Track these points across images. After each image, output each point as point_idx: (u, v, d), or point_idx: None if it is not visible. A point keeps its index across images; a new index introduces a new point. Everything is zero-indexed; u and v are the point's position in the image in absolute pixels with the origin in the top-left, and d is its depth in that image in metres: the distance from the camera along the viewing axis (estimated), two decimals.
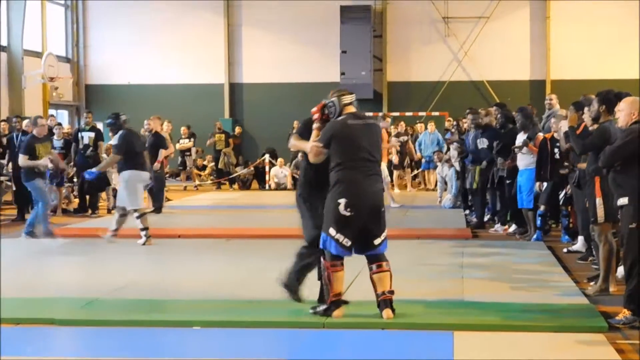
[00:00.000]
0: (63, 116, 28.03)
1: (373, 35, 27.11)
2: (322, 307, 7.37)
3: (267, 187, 23.47)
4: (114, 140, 12.88)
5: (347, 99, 7.50)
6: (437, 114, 25.24)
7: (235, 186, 24.09)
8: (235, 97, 28.33)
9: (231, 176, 24.19)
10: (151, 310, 7.85)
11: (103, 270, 10.51)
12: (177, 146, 22.98)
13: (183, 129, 23.95)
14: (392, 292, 7.33)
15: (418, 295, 8.35)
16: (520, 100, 18.46)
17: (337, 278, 7.28)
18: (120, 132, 12.54)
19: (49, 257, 11.54)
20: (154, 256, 11.46)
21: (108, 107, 26.72)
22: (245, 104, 28.27)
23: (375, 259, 7.34)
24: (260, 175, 24.02)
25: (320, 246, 7.29)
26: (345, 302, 7.49)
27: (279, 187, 23.17)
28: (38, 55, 25.01)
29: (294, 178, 23.25)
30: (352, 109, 7.50)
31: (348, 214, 7.10)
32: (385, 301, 7.30)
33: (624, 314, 7.19)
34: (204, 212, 17.55)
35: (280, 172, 23.36)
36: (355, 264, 10.21)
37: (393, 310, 7.27)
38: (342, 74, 26.69)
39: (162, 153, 16.28)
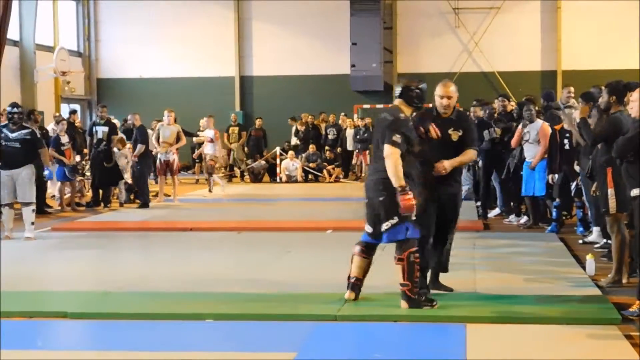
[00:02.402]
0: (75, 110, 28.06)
1: (383, 27, 27.06)
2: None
3: (278, 179, 23.47)
4: None
5: (395, 92, 7.72)
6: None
7: (247, 179, 24.09)
8: (246, 89, 28.34)
9: (240, 170, 24.18)
10: (163, 303, 7.86)
11: (115, 263, 10.55)
12: (195, 139, 22.92)
13: (202, 121, 23.93)
14: (404, 285, 7.35)
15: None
16: (531, 91, 18.39)
17: (353, 261, 7.73)
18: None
19: (61, 250, 11.56)
20: (165, 249, 11.47)
21: (120, 101, 27.01)
22: (255, 97, 28.28)
23: (395, 248, 7.46)
24: (271, 168, 24.02)
25: None
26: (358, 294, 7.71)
27: (290, 179, 23.17)
28: (50, 49, 25.06)
29: (304, 170, 23.26)
30: (396, 102, 7.66)
31: (364, 200, 7.60)
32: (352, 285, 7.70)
33: (637, 305, 7.16)
34: (215, 205, 17.56)
35: (291, 164, 23.35)
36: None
37: (408, 302, 7.35)
38: (353, 66, 26.65)
39: (140, 148, 16.54)
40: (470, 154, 7.93)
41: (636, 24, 25.97)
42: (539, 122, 12.49)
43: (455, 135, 7.80)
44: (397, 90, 7.62)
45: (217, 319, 7.29)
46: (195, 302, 7.91)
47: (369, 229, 7.56)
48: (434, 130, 7.64)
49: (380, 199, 7.36)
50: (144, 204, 16.54)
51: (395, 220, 7.31)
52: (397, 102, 7.60)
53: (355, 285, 7.69)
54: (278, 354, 6.29)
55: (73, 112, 19.81)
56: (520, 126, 12.80)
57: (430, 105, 7.97)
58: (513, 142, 12.94)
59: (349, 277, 7.73)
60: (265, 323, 7.16)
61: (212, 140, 19.97)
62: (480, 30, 26.93)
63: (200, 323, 7.21)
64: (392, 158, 7.22)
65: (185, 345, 6.57)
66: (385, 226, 7.36)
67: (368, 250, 7.69)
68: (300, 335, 6.74)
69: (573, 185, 11.74)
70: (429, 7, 27.20)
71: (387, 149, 7.26)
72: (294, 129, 24.71)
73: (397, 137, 7.25)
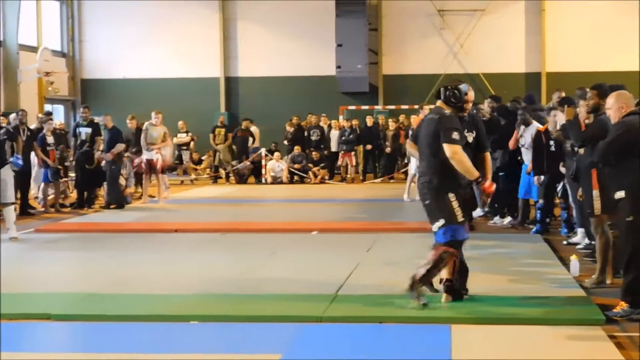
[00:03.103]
0: (59, 111, 27.98)
1: (368, 29, 27.07)
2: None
3: (263, 181, 23.45)
4: None
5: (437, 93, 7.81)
6: (432, 106, 25.13)
7: (232, 180, 24.05)
8: (231, 90, 28.30)
9: (226, 171, 24.15)
10: (147, 305, 7.84)
11: (99, 265, 10.49)
12: (175, 140, 22.95)
13: (180, 124, 23.94)
14: (448, 281, 7.60)
15: None
16: (516, 92, 18.42)
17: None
18: None
19: (45, 252, 11.51)
20: (150, 251, 11.43)
21: (104, 102, 26.91)
22: (241, 98, 28.25)
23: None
24: (256, 169, 23.98)
25: None
26: (459, 294, 7.78)
27: (276, 181, 23.15)
28: (33, 50, 24.93)
29: (290, 172, 23.25)
30: (437, 103, 7.75)
31: None
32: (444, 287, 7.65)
33: (621, 306, 7.19)
34: (200, 207, 17.53)
35: (277, 166, 23.33)
36: (353, 257, 10.25)
37: (454, 295, 7.56)
38: (338, 67, 26.66)
39: (118, 147, 16.56)
40: (489, 159, 8.11)
41: (620, 27, 26.10)
42: (534, 126, 12.43)
43: (470, 136, 7.94)
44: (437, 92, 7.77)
45: (202, 320, 7.27)
46: (180, 303, 7.89)
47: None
48: None
49: (426, 202, 7.48)
50: (107, 206, 16.43)
51: (442, 222, 7.41)
52: (438, 102, 7.69)
53: (449, 287, 7.66)
54: (263, 355, 6.28)
55: (48, 113, 19.56)
56: (517, 129, 12.74)
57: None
58: (511, 144, 12.86)
59: (440, 281, 7.71)
60: (250, 324, 7.15)
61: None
62: (465, 32, 27.00)
63: (185, 325, 7.18)
64: (456, 157, 7.30)
65: (170, 347, 6.55)
66: (434, 228, 7.48)
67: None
68: (286, 337, 6.73)
69: (559, 186, 11.77)
70: (414, 8, 27.24)
71: (448, 149, 7.31)
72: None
73: (455, 134, 7.33)
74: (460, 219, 7.39)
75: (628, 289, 7.21)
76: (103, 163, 16.69)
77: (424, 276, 7.41)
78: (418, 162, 7.99)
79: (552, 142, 11.68)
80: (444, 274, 7.64)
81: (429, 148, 7.50)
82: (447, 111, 7.54)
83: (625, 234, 7.31)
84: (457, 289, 7.71)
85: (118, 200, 16.70)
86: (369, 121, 24.28)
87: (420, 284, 7.44)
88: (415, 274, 7.44)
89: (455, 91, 7.61)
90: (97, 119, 17.15)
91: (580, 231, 11.05)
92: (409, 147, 8.28)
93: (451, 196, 7.37)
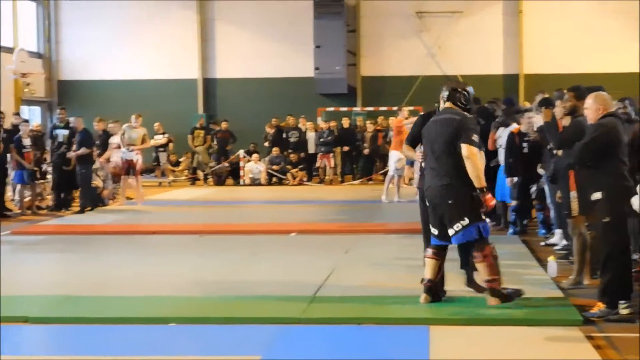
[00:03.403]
0: (35, 112, 27.79)
1: (347, 30, 27.08)
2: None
3: (241, 182, 23.40)
4: None
5: (444, 94, 7.72)
6: (411, 108, 25.21)
7: (210, 182, 24.00)
8: (209, 92, 28.22)
9: (204, 173, 24.10)
10: (126, 307, 7.81)
11: (77, 267, 10.44)
12: (152, 142, 22.85)
13: (157, 125, 23.84)
14: (493, 280, 7.50)
15: (394, 289, 8.37)
16: (494, 94, 18.47)
17: (426, 264, 7.69)
18: None
19: (22, 254, 11.44)
20: (128, 253, 11.39)
21: (81, 103, 26.76)
22: (219, 100, 28.18)
23: (473, 249, 7.54)
24: (235, 171, 23.94)
25: None
26: (443, 293, 7.79)
27: (254, 182, 23.12)
28: (9, 50, 24.76)
29: (268, 173, 23.22)
30: (447, 105, 7.68)
31: (425, 205, 7.65)
32: (487, 289, 7.56)
33: (598, 307, 7.23)
34: (178, 209, 17.48)
35: (255, 167, 23.31)
36: (331, 259, 10.26)
37: (499, 297, 7.47)
38: (317, 68, 26.65)
39: (83, 151, 16.30)
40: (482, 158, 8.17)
41: (597, 29, 26.25)
42: (513, 127, 12.44)
43: None
44: (445, 92, 7.68)
45: (180, 322, 7.25)
46: (158, 305, 7.86)
47: (434, 231, 7.58)
48: None
49: (450, 201, 7.42)
50: (82, 210, 16.25)
51: (466, 221, 7.39)
52: (447, 104, 7.66)
53: (429, 287, 7.65)
54: (242, 357, 6.28)
55: (25, 121, 19.25)
56: (493, 130, 12.75)
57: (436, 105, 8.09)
58: (489, 145, 12.87)
59: (422, 281, 7.72)
60: (229, 326, 7.13)
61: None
62: (444, 33, 27.06)
63: (163, 327, 7.16)
64: (473, 159, 7.30)
65: (148, 350, 6.52)
66: (455, 228, 7.42)
67: (439, 252, 7.68)
68: (265, 338, 6.73)
69: (533, 188, 11.82)
70: (392, 10, 27.26)
71: (467, 149, 7.30)
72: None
73: (475, 137, 7.36)
74: (483, 216, 7.50)
75: (605, 290, 7.25)
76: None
77: (499, 284, 7.49)
78: (408, 163, 8.08)
79: (524, 144, 11.73)
80: (428, 274, 7.64)
81: (446, 148, 7.44)
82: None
83: (602, 235, 7.35)
84: (436, 290, 7.71)
85: (93, 203, 16.55)
86: (346, 123, 24.30)
87: (499, 289, 7.48)
88: (493, 290, 7.47)
89: (465, 93, 7.67)
90: (70, 120, 16.98)
91: (558, 232, 11.10)
92: (406, 149, 8.24)
93: (475, 195, 7.40)
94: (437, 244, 7.65)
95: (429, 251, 7.70)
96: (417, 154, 7.91)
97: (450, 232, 7.46)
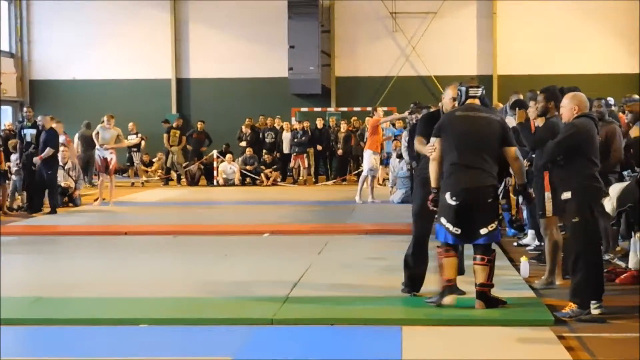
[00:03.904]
0: (7, 112, 27.56)
1: (321, 31, 27.08)
2: (436, 297, 7.51)
3: (215, 183, 23.33)
4: None
5: (473, 91, 7.64)
6: (385, 109, 25.25)
7: (183, 182, 23.90)
8: (183, 92, 28.12)
9: (177, 173, 24.00)
10: (96, 309, 7.75)
11: (48, 268, 10.36)
12: (126, 142, 22.69)
13: (130, 125, 23.71)
14: (488, 286, 7.47)
15: (367, 290, 8.36)
16: None
17: (447, 264, 7.49)
18: None
19: None
20: (99, 254, 11.31)
21: (53, 103, 26.57)
22: (192, 100, 28.08)
23: (480, 250, 7.47)
24: (208, 172, 23.85)
25: (435, 235, 7.59)
26: (462, 292, 7.72)
27: (227, 183, 23.05)
28: None
29: (242, 174, 23.15)
30: (473, 101, 7.62)
31: (453, 203, 7.35)
32: (477, 293, 7.45)
33: (570, 307, 7.25)
34: (151, 209, 17.39)
35: (228, 168, 23.24)
36: (304, 259, 10.23)
37: (486, 302, 7.40)
38: (290, 69, 26.63)
39: (47, 151, 16.09)
40: None
41: (570, 30, 26.43)
42: None
43: None
44: (474, 90, 7.63)
45: (151, 323, 7.20)
46: (129, 306, 7.81)
47: (457, 231, 7.40)
48: None
49: (489, 201, 7.44)
50: (53, 210, 16.09)
51: (496, 223, 7.44)
52: (475, 100, 7.63)
53: (453, 287, 7.59)
54: (213, 358, 6.25)
55: None
56: None
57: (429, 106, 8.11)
58: None
59: (446, 282, 7.49)
60: (200, 327, 7.09)
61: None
62: (418, 34, 27.12)
63: (134, 328, 7.11)
64: (520, 159, 7.56)
65: (119, 351, 6.48)
66: (489, 228, 7.41)
67: (456, 250, 7.63)
68: (236, 340, 6.70)
69: (500, 188, 11.81)
70: (367, 11, 27.29)
71: (515, 150, 7.50)
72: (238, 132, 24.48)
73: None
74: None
75: (576, 290, 7.28)
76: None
77: (489, 286, 7.50)
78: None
79: None
80: (450, 274, 7.51)
81: (492, 147, 7.46)
82: None
83: (572, 235, 7.40)
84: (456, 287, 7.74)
85: (54, 205, 16.19)
86: (319, 123, 24.30)
87: (489, 295, 7.48)
88: (483, 294, 7.44)
89: (484, 91, 7.75)
90: (38, 119, 16.77)
91: (530, 232, 11.14)
92: (419, 143, 7.94)
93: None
94: (455, 243, 7.57)
95: (449, 251, 7.51)
96: (427, 149, 7.68)
97: (483, 231, 7.39)
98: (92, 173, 21.84)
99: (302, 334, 6.94)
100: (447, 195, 7.40)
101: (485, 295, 7.45)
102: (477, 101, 7.63)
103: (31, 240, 12.69)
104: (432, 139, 7.59)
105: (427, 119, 8.15)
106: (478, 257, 7.46)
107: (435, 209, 7.58)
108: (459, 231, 7.42)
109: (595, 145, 7.45)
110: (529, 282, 8.71)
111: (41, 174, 16.21)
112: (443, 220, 7.46)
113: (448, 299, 7.44)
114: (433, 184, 7.56)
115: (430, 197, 7.57)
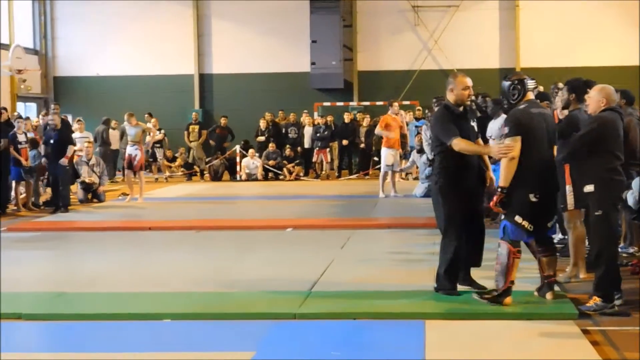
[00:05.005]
0: (32, 109, 27.75)
1: (343, 25, 27.05)
2: (495, 294, 7.42)
3: (238, 178, 23.38)
4: None
5: (532, 83, 7.59)
6: (407, 102, 25.26)
7: (206, 177, 23.98)
8: (205, 87, 28.19)
9: (200, 168, 24.08)
10: (120, 304, 7.78)
11: (71, 263, 10.42)
12: (147, 138, 22.78)
13: (153, 121, 23.78)
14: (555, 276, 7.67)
15: (390, 284, 8.34)
16: (490, 88, 18.44)
17: (516, 265, 7.38)
18: None
19: (17, 251, 11.40)
20: (123, 249, 11.36)
21: (77, 99, 26.73)
22: (215, 95, 28.14)
23: (547, 242, 7.65)
24: (231, 166, 23.92)
25: (500, 234, 7.46)
26: (482, 287, 7.83)
27: (250, 178, 23.09)
28: (5, 47, 24.72)
29: (264, 169, 23.18)
30: (531, 95, 7.60)
31: (535, 200, 7.29)
32: (548, 284, 7.60)
33: (594, 300, 7.21)
34: (175, 204, 17.44)
35: (251, 163, 23.27)
36: (327, 254, 10.23)
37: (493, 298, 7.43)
38: (313, 63, 26.62)
39: (70, 149, 16.14)
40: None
41: (593, 22, 26.25)
42: (502, 118, 12.34)
43: (475, 126, 7.97)
44: (533, 83, 7.58)
45: (175, 318, 7.23)
46: (153, 302, 7.84)
47: (531, 227, 7.37)
48: None
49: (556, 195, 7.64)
50: (63, 208, 16.03)
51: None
52: (532, 96, 7.62)
53: (553, 282, 7.69)
54: (236, 353, 6.25)
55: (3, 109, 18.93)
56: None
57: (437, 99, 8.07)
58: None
59: (511, 282, 7.34)
60: (223, 322, 7.11)
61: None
62: (440, 28, 27.02)
63: (158, 323, 7.14)
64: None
65: (143, 346, 6.50)
66: (552, 220, 7.68)
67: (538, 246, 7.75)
68: (259, 334, 6.70)
69: None
70: (388, 5, 27.22)
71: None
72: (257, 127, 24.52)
73: None
74: None
75: (599, 283, 7.23)
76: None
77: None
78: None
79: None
80: (514, 275, 7.38)
81: (548, 144, 7.53)
82: None
83: (594, 228, 7.34)
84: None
85: (65, 204, 16.10)
86: (347, 117, 24.22)
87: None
88: (553, 284, 7.62)
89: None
90: (48, 118, 16.75)
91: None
92: (467, 145, 7.63)
93: None
94: (527, 241, 7.76)
95: (520, 252, 7.42)
96: (501, 149, 7.35)
97: (550, 224, 7.63)
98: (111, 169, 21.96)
99: (325, 328, 6.93)
100: (530, 193, 7.27)
101: (553, 285, 7.61)
102: (531, 95, 7.60)
103: (55, 236, 12.76)
104: (507, 139, 7.29)
105: (446, 116, 7.78)
106: (547, 249, 7.64)
107: (500, 210, 7.45)
108: (532, 228, 7.41)
109: (619, 140, 7.38)
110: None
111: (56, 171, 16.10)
112: (518, 218, 7.30)
113: (509, 299, 7.36)
114: (503, 183, 7.29)
115: (497, 197, 7.33)
